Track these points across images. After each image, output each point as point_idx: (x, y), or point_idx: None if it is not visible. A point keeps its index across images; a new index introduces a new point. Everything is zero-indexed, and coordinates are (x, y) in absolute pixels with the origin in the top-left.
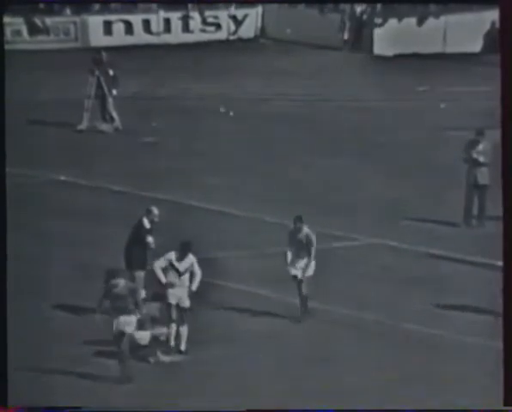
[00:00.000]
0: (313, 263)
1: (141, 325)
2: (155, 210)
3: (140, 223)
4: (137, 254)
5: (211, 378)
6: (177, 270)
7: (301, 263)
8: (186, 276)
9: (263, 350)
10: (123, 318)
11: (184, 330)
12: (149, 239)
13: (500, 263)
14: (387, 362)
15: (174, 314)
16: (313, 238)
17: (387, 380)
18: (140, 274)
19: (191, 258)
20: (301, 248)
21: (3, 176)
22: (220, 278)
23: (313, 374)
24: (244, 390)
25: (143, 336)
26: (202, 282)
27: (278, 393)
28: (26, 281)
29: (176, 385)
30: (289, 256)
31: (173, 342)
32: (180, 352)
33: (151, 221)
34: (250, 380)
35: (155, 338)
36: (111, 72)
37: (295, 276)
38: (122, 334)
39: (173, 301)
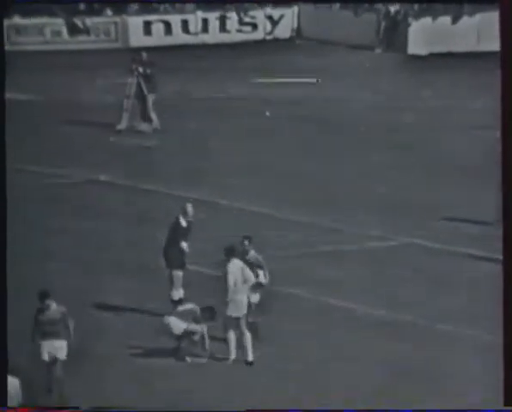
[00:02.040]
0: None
1: (180, 316)
2: (190, 208)
3: (176, 222)
4: (174, 253)
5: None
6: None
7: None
8: (238, 284)
9: (303, 349)
10: (55, 343)
11: (247, 339)
12: (184, 243)
13: None
14: (416, 361)
15: (233, 324)
16: (261, 260)
17: (415, 379)
18: (178, 273)
19: (236, 263)
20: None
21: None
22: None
23: (344, 372)
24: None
25: (178, 326)
26: None
27: (319, 388)
28: (66, 280)
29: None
30: (231, 279)
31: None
32: (247, 362)
33: (187, 220)
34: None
35: (188, 333)
36: (149, 72)
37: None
38: (55, 360)
39: (234, 313)
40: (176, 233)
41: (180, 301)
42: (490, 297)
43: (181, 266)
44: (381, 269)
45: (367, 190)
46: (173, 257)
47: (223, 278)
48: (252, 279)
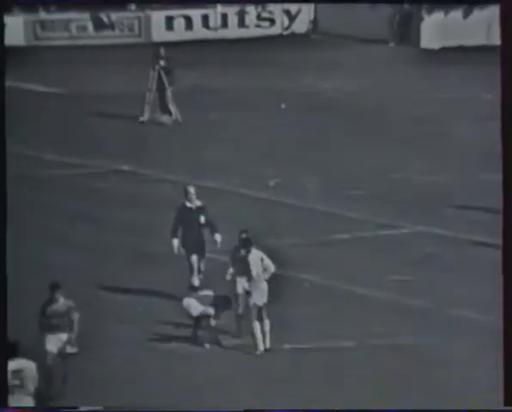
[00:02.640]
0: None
1: (199, 299)
2: (191, 189)
3: (182, 206)
4: (187, 238)
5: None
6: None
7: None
8: (260, 274)
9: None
10: (61, 336)
11: (268, 326)
12: (202, 218)
13: None
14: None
15: (254, 314)
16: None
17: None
18: (193, 257)
19: (256, 253)
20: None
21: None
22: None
23: (359, 358)
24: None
25: (196, 307)
26: None
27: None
28: (86, 264)
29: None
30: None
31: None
32: (266, 349)
33: (190, 201)
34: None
35: (205, 316)
36: (169, 66)
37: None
38: (61, 353)
39: (258, 302)
40: (183, 217)
41: (196, 288)
42: (499, 284)
43: (196, 251)
44: (393, 255)
45: (380, 179)
46: (187, 243)
47: (246, 269)
48: (272, 267)
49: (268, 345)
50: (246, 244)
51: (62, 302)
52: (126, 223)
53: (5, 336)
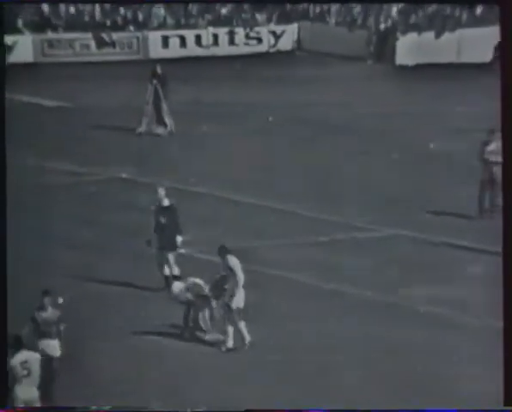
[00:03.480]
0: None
1: (187, 285)
2: (161, 190)
3: (156, 206)
4: (159, 235)
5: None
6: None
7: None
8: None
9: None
10: (50, 342)
11: (244, 325)
12: (162, 219)
13: None
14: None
15: (236, 316)
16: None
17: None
18: (163, 253)
19: (233, 260)
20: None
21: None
22: (258, 265)
23: (337, 350)
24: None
25: (184, 294)
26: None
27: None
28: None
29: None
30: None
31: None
32: (245, 344)
33: (165, 204)
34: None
35: (192, 304)
36: (165, 81)
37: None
38: (51, 358)
39: (240, 305)
40: (160, 217)
41: (177, 278)
42: (471, 283)
43: (167, 247)
44: (371, 256)
45: (360, 186)
46: (161, 240)
47: (231, 274)
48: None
49: (247, 340)
50: (223, 251)
51: (50, 311)
52: (122, 225)
53: (5, 336)
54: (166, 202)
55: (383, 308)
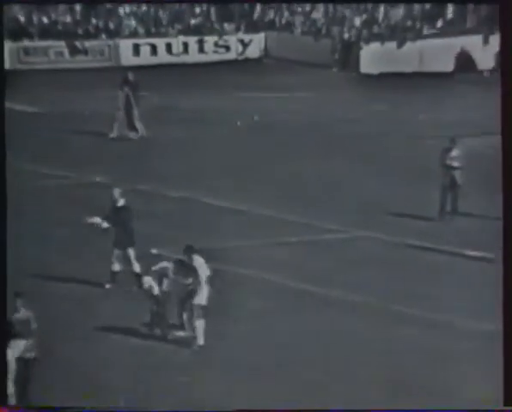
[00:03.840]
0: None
1: (154, 275)
2: (115, 191)
3: (111, 206)
4: (116, 233)
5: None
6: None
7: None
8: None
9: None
10: (21, 343)
11: (202, 324)
12: (125, 224)
13: (473, 253)
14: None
15: (198, 312)
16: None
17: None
18: (130, 251)
19: (199, 258)
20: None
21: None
22: (230, 265)
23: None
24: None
25: (149, 283)
26: (215, 269)
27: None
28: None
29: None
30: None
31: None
32: (199, 346)
33: (120, 205)
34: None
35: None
36: (136, 88)
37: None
38: (25, 358)
39: (202, 302)
40: (112, 216)
41: (139, 275)
42: (434, 281)
43: (132, 244)
44: (339, 256)
45: (327, 189)
46: (124, 238)
47: (194, 273)
48: (208, 272)
49: (201, 342)
50: (189, 251)
51: (23, 312)
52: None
53: (5, 336)
54: (121, 203)
55: (348, 306)
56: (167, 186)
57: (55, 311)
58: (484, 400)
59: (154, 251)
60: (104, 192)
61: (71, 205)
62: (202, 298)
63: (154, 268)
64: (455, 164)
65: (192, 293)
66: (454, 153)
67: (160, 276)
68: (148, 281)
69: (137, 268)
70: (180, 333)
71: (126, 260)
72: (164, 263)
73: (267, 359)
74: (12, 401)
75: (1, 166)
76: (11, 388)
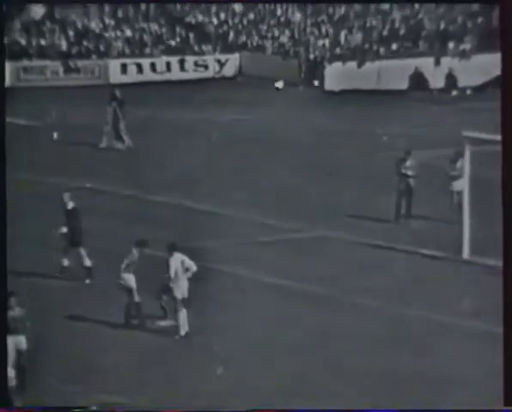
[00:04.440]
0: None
1: (127, 269)
2: (65, 196)
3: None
4: (68, 233)
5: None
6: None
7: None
8: (179, 273)
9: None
10: (18, 338)
11: (185, 315)
12: (74, 224)
13: (425, 251)
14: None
15: (175, 305)
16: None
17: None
18: (80, 249)
19: (177, 256)
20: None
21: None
22: (207, 262)
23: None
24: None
25: (129, 279)
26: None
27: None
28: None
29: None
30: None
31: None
32: (181, 336)
33: (70, 207)
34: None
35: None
36: (122, 103)
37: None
38: (20, 351)
39: (178, 295)
40: (67, 219)
41: (89, 269)
42: (390, 275)
43: (81, 242)
44: (305, 253)
45: (295, 195)
46: (76, 237)
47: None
48: (194, 267)
49: (187, 329)
50: (170, 248)
51: (18, 310)
52: (88, 228)
53: (5, 337)
54: (70, 206)
55: (314, 297)
56: (150, 191)
57: (42, 304)
58: None
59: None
60: (93, 196)
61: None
62: (181, 291)
63: (123, 264)
64: (409, 173)
65: (168, 286)
66: (409, 163)
67: (129, 270)
68: (126, 277)
69: (87, 262)
70: (162, 323)
71: (77, 256)
72: (130, 258)
73: (240, 343)
74: (12, 383)
75: (1, 174)
76: (12, 375)
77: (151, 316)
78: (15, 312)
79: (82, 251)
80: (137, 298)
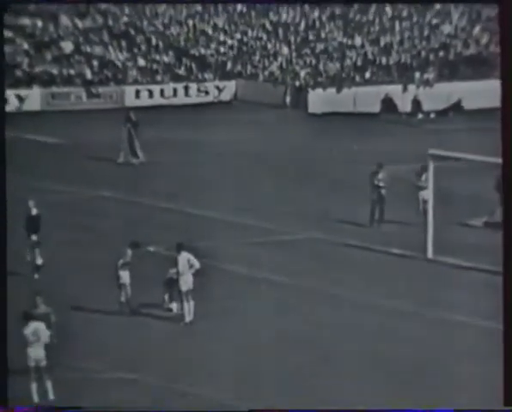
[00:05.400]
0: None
1: (123, 267)
2: (31, 203)
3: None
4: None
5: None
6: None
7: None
8: (185, 269)
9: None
10: (39, 351)
11: (192, 305)
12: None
13: (395, 251)
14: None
15: (181, 296)
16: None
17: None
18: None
19: (184, 255)
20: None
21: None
22: (206, 259)
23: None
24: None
25: (125, 276)
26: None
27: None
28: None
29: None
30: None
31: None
32: (191, 322)
33: (33, 214)
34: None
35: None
36: (136, 123)
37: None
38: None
39: (183, 288)
40: (30, 223)
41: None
42: (365, 271)
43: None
44: (292, 252)
45: (282, 203)
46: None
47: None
48: (197, 265)
49: (192, 317)
50: (178, 248)
51: (43, 308)
52: (101, 228)
53: (5, 336)
54: (34, 212)
55: (302, 289)
56: (160, 199)
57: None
58: None
59: (150, 248)
60: (111, 204)
61: (84, 214)
62: (187, 285)
63: (118, 263)
64: (381, 184)
65: (174, 280)
66: (381, 175)
67: (125, 268)
68: (121, 274)
69: (39, 261)
70: (169, 312)
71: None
72: (124, 257)
73: (236, 326)
74: (41, 360)
75: (1, 177)
76: (41, 350)
77: (156, 305)
78: (40, 309)
79: (38, 251)
80: (129, 292)
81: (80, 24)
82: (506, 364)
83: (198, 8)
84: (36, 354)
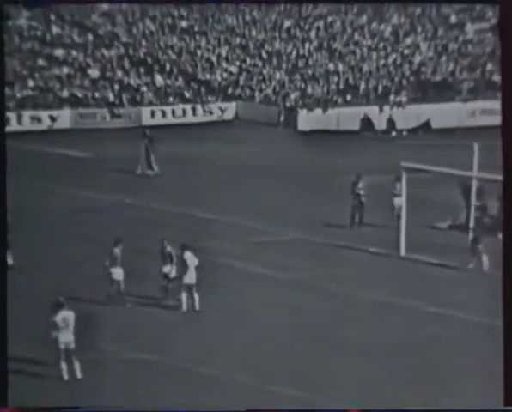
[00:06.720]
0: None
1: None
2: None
3: None
4: None
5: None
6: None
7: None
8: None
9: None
10: (68, 335)
11: (197, 296)
12: None
13: (373, 249)
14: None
15: (184, 288)
16: (195, 259)
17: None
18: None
19: (188, 253)
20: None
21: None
22: (214, 257)
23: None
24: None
25: (117, 272)
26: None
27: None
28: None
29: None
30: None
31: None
32: (196, 311)
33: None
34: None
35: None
36: (151, 139)
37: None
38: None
39: (189, 282)
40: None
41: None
42: (346, 266)
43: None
44: (286, 250)
45: (275, 208)
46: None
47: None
48: (196, 261)
49: (198, 308)
50: (182, 248)
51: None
52: (123, 230)
53: (5, 337)
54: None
55: (293, 283)
56: (171, 205)
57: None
58: None
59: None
60: (131, 209)
61: (104, 219)
62: (190, 279)
63: (106, 262)
64: (361, 192)
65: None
66: (360, 184)
67: (115, 265)
68: (114, 271)
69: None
70: (169, 302)
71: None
72: (111, 256)
73: (235, 315)
74: (70, 343)
75: (1, 179)
76: (70, 335)
77: (158, 298)
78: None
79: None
80: (123, 286)
81: (106, 53)
82: (506, 364)
83: (204, 40)
84: (65, 338)
